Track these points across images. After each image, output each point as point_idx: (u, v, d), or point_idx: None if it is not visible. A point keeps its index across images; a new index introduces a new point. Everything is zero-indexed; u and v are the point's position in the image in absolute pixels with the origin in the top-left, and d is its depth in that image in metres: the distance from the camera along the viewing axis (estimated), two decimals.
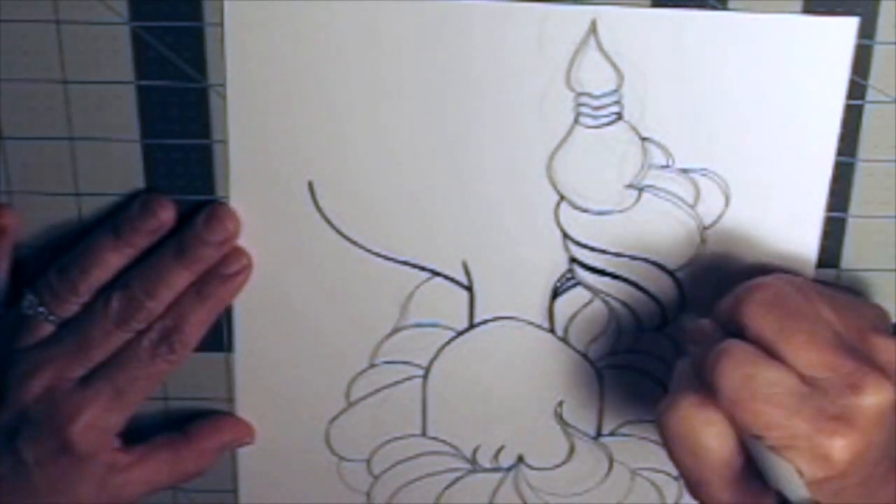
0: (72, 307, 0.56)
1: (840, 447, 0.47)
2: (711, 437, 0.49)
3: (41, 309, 0.56)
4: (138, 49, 0.54)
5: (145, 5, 0.53)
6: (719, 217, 0.56)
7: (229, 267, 0.57)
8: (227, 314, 0.59)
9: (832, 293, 0.52)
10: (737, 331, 0.50)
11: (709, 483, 0.50)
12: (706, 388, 0.49)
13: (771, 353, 0.48)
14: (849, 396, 0.47)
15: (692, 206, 0.56)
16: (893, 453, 0.49)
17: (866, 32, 0.53)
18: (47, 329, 0.56)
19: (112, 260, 0.56)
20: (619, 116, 0.54)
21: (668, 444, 0.50)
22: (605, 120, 0.54)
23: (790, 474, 0.47)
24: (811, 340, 0.48)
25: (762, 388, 0.47)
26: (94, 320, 0.56)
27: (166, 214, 0.56)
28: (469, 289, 0.58)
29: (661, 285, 0.58)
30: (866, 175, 0.55)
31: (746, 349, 0.48)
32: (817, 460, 0.47)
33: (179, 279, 0.56)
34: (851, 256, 0.57)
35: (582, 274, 0.58)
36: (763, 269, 0.55)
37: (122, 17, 0.53)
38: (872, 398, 0.47)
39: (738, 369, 0.48)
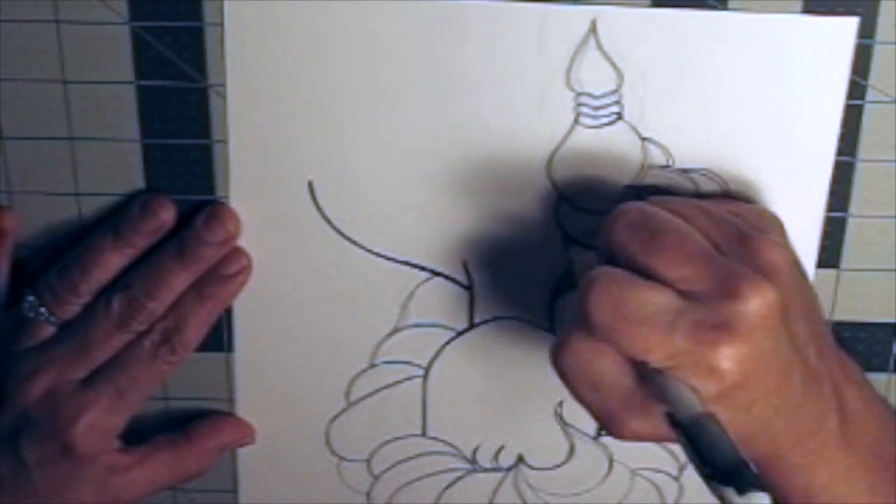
0: (72, 308, 0.56)
1: (725, 356, 0.45)
2: (605, 366, 0.47)
3: (42, 310, 0.56)
4: (138, 49, 0.54)
5: (145, 5, 0.53)
6: None
7: (229, 268, 0.57)
8: (227, 314, 0.59)
9: (707, 206, 0.50)
10: (613, 259, 0.48)
11: (616, 414, 0.48)
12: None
13: (644, 274, 0.47)
14: (727, 304, 0.45)
15: None
16: (795, 357, 0.47)
17: (866, 32, 0.53)
18: (48, 330, 0.56)
19: (112, 260, 0.56)
20: (619, 116, 0.54)
21: (568, 383, 0.48)
22: (605, 120, 0.54)
23: (682, 392, 0.45)
24: (681, 254, 0.47)
25: (633, 311, 0.46)
26: (94, 321, 0.56)
27: (166, 214, 0.56)
28: (469, 289, 0.58)
29: None
30: (866, 175, 0.55)
31: (614, 274, 0.47)
32: (705, 374, 0.45)
33: (180, 280, 0.56)
34: (851, 256, 0.57)
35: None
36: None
37: (122, 17, 0.53)
38: (752, 301, 0.45)
39: (607, 295, 0.46)
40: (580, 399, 0.49)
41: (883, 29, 0.53)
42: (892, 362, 0.59)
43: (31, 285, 0.57)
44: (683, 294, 0.46)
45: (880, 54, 0.53)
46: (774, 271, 0.47)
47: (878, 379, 0.59)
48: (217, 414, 0.61)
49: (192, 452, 0.60)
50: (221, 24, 0.53)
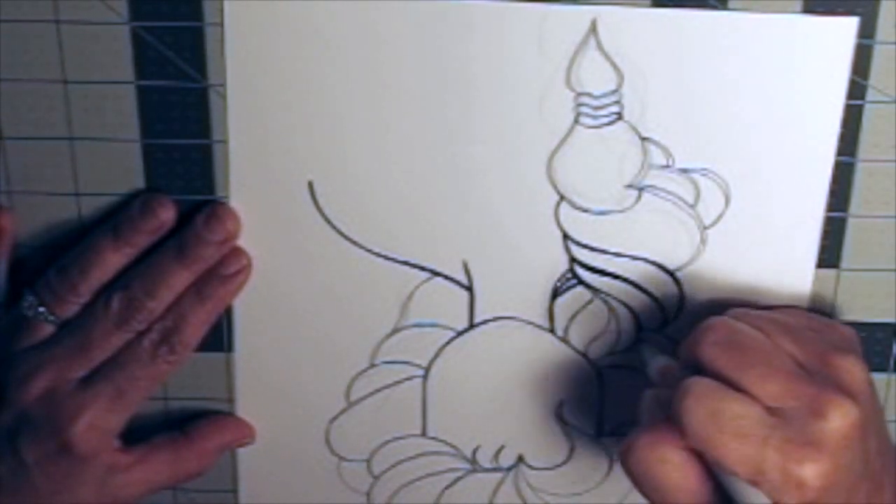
0: (72, 307, 0.56)
1: (812, 473, 0.47)
2: (670, 472, 0.49)
3: (41, 309, 0.56)
4: (138, 49, 0.54)
5: (145, 5, 0.53)
6: (719, 217, 0.56)
7: (229, 267, 0.57)
8: (227, 314, 0.59)
9: (788, 321, 0.53)
10: (700, 371, 0.50)
11: None
12: (670, 426, 0.49)
13: (734, 388, 0.49)
14: (814, 422, 0.48)
15: (692, 206, 0.56)
16: (865, 471, 0.50)
17: (866, 32, 0.53)
18: (47, 329, 0.56)
19: (112, 260, 0.56)
20: (620, 116, 0.54)
21: (634, 482, 0.50)
22: (605, 120, 0.54)
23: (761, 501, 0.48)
24: (769, 372, 0.49)
25: (729, 421, 0.48)
26: (94, 321, 0.56)
27: (166, 214, 0.56)
28: (469, 289, 0.58)
29: (661, 285, 0.58)
30: (866, 175, 0.55)
31: (710, 384, 0.49)
32: (791, 488, 0.47)
33: (179, 279, 0.56)
34: (851, 256, 0.57)
35: (582, 274, 0.58)
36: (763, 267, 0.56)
37: (122, 17, 0.53)
38: (837, 421, 0.48)
39: (704, 405, 0.48)
40: (645, 496, 0.51)
41: (883, 29, 0.53)
42: (892, 362, 0.59)
43: (31, 285, 0.57)
44: (770, 411, 0.48)
45: (880, 54, 0.53)
46: (856, 391, 0.49)
47: (878, 379, 0.59)
48: (217, 414, 0.61)
49: (191, 452, 0.60)
50: (221, 24, 0.53)
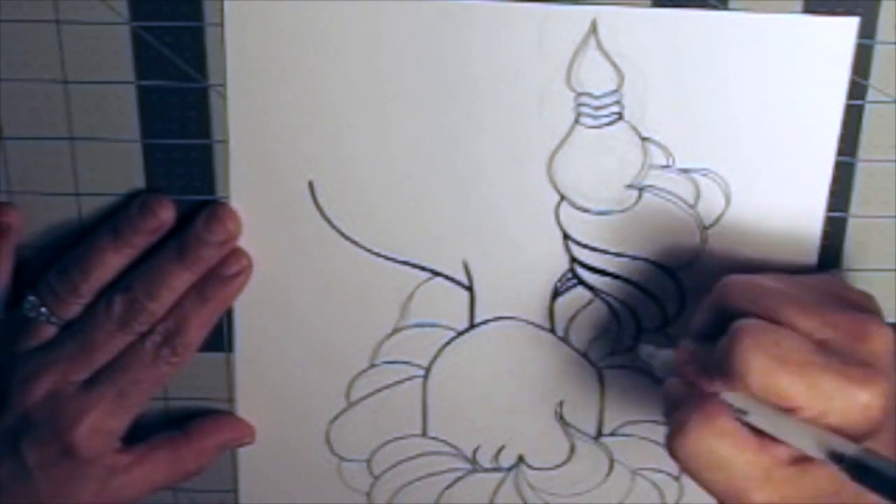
0: (73, 308, 0.56)
1: (874, 393, 0.47)
2: (729, 446, 0.48)
3: (43, 310, 0.56)
4: (138, 49, 0.54)
5: (145, 5, 0.53)
6: (719, 217, 0.56)
7: (229, 268, 0.57)
8: (228, 314, 0.59)
9: (802, 277, 0.53)
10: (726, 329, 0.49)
11: (742, 489, 0.49)
12: (715, 400, 0.48)
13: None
14: (861, 346, 0.48)
15: (692, 206, 0.56)
16: None
17: (866, 32, 0.53)
18: (49, 331, 0.56)
19: (113, 260, 0.56)
20: (620, 116, 0.54)
21: (690, 468, 0.49)
22: (605, 120, 0.54)
23: (834, 437, 0.47)
24: (805, 307, 0.49)
25: (788, 355, 0.47)
26: (96, 323, 0.56)
27: (166, 214, 0.56)
28: (469, 289, 0.58)
29: (661, 285, 0.58)
30: (866, 175, 0.55)
31: (760, 324, 0.48)
32: (857, 413, 0.47)
33: (180, 280, 0.56)
34: (851, 256, 0.57)
35: (582, 274, 0.58)
36: (763, 267, 0.55)
37: (122, 17, 0.53)
38: (881, 342, 0.48)
39: (761, 344, 0.47)
40: (704, 481, 0.49)
41: (883, 29, 0.53)
42: None
43: (32, 286, 0.57)
44: (818, 342, 0.48)
45: (880, 54, 0.53)
46: (881, 314, 0.51)
47: None
48: (217, 413, 0.61)
49: (190, 451, 0.60)
50: (221, 25, 0.53)
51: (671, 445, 0.49)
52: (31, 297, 0.56)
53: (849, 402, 0.47)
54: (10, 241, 0.57)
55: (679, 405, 0.50)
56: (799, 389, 0.47)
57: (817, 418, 0.47)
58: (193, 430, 0.60)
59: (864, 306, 0.51)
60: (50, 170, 0.56)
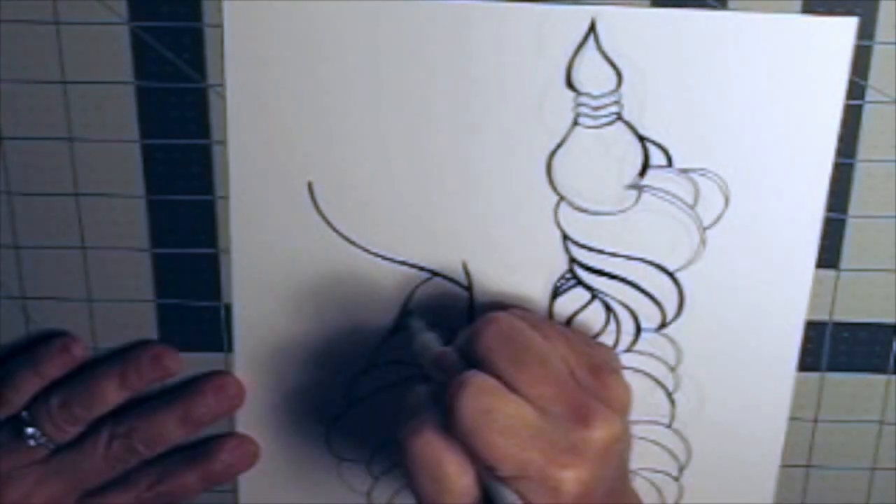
0: (69, 435, 0.58)
1: (570, 479, 0.47)
2: (453, 464, 0.49)
3: (42, 439, 0.58)
4: (138, 49, 0.54)
5: (145, 5, 0.53)
6: (719, 217, 0.56)
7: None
8: (227, 314, 0.59)
9: (566, 330, 0.54)
10: (476, 363, 0.50)
11: None
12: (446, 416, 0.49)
13: (507, 385, 0.49)
14: (579, 430, 0.48)
15: (692, 207, 0.56)
16: (621, 486, 0.51)
17: (866, 32, 0.53)
18: (42, 452, 0.59)
19: (115, 398, 0.58)
20: (619, 116, 0.54)
21: (410, 468, 0.50)
22: (604, 120, 0.54)
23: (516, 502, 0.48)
24: (544, 374, 0.49)
25: (499, 420, 0.48)
26: (94, 456, 0.59)
27: (174, 366, 0.58)
28: (468, 289, 0.58)
29: (661, 285, 0.58)
30: (866, 175, 0.55)
31: (485, 381, 0.49)
32: (548, 492, 0.48)
33: (179, 435, 0.59)
34: (851, 256, 0.57)
35: (582, 274, 0.58)
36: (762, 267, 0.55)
37: (122, 17, 0.53)
38: (601, 431, 0.48)
39: (476, 401, 0.48)
40: (415, 486, 0.50)
41: (882, 29, 0.53)
42: (892, 362, 0.59)
43: (28, 408, 0.58)
44: (541, 412, 0.49)
45: (880, 54, 0.53)
46: (619, 408, 0.50)
47: (878, 379, 0.59)
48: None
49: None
50: (221, 25, 0.53)
51: (403, 442, 0.50)
52: (31, 430, 0.58)
53: (543, 479, 0.48)
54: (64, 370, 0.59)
55: (420, 409, 0.50)
56: (499, 454, 0.48)
57: (512, 483, 0.48)
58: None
59: (606, 366, 0.52)
60: (50, 170, 0.56)
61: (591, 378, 0.51)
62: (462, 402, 0.48)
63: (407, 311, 0.58)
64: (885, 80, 0.53)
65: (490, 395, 0.48)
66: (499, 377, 0.49)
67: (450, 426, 0.48)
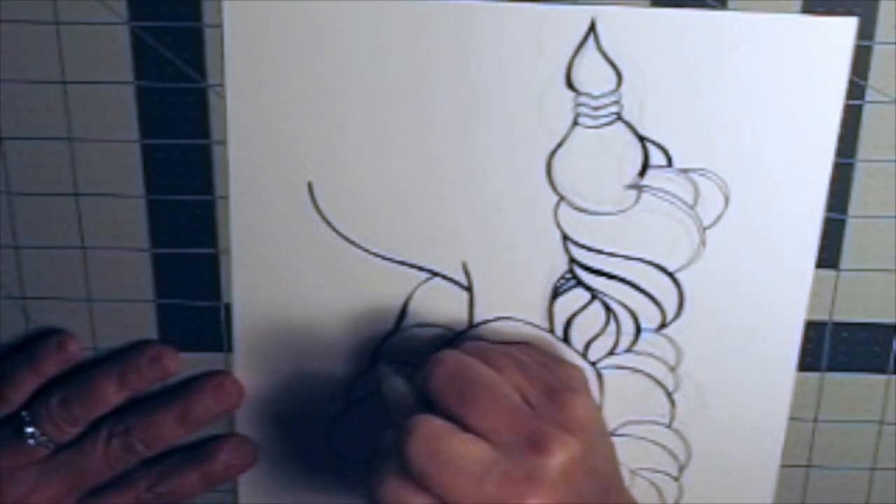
0: (70, 435, 0.59)
1: None
2: None
3: (43, 439, 0.58)
4: (138, 49, 0.54)
5: (145, 5, 0.53)
6: (719, 217, 0.56)
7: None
8: (227, 313, 0.59)
9: (521, 355, 0.54)
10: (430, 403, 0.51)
11: None
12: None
13: (459, 423, 0.49)
14: (535, 457, 0.48)
15: (692, 207, 0.56)
16: (602, 500, 0.50)
17: (866, 33, 0.53)
18: (42, 451, 0.59)
19: (114, 399, 0.58)
20: (619, 117, 0.54)
21: None
22: (604, 120, 0.54)
23: None
24: (493, 407, 0.49)
25: (449, 461, 0.48)
26: (94, 455, 0.59)
27: (173, 366, 0.59)
28: (469, 289, 0.58)
29: (661, 286, 0.58)
30: (866, 175, 0.55)
31: (432, 424, 0.49)
32: None
33: (177, 435, 0.59)
34: (851, 256, 0.57)
35: (582, 274, 0.58)
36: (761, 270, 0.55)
37: (122, 17, 0.53)
38: (557, 457, 0.48)
39: (425, 446, 0.49)
40: None
41: (882, 29, 0.53)
42: (892, 362, 0.59)
43: (28, 408, 0.58)
44: (495, 445, 0.49)
45: (880, 54, 0.53)
46: (579, 426, 0.50)
47: (878, 379, 0.59)
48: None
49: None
50: (221, 25, 0.53)
51: (372, 491, 0.50)
52: (30, 429, 0.58)
53: None
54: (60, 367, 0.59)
55: (386, 454, 0.51)
56: (454, 496, 0.48)
57: None
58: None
59: (564, 386, 0.52)
60: (50, 170, 0.56)
61: (548, 402, 0.51)
62: (411, 447, 0.49)
63: (376, 357, 0.59)
64: (885, 80, 0.53)
65: (438, 437, 0.49)
66: (451, 416, 0.50)
67: (405, 471, 0.49)
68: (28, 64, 0.54)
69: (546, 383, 0.52)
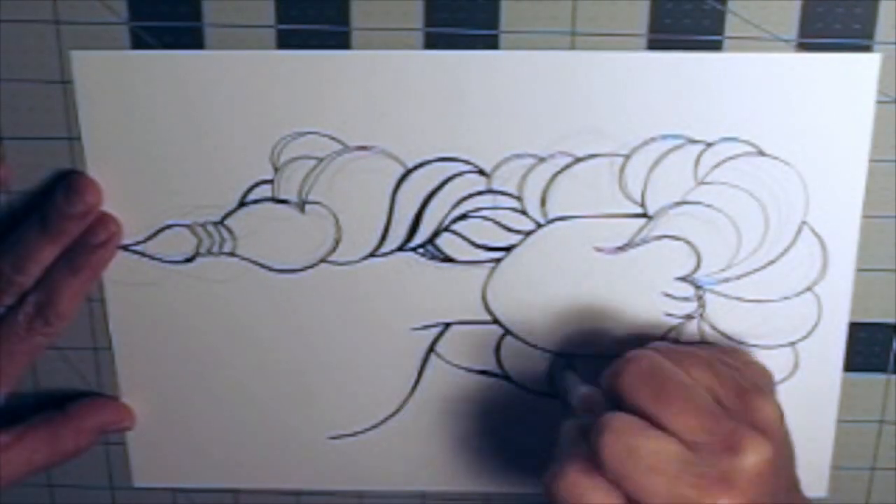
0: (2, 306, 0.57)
1: None
2: (598, 500, 0.49)
3: None
4: (137, 49, 0.54)
5: (145, 5, 0.53)
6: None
7: (97, 236, 0.57)
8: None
9: (710, 357, 0.53)
10: (620, 402, 0.50)
11: None
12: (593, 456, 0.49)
13: (652, 422, 0.49)
14: (728, 458, 0.48)
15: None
16: (786, 501, 0.51)
17: (866, 33, 0.53)
18: None
19: (45, 251, 0.56)
20: None
21: None
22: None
23: None
24: (687, 407, 0.49)
25: (644, 458, 0.48)
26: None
27: (93, 197, 0.56)
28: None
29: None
30: (867, 175, 0.55)
31: (628, 421, 0.49)
32: None
33: (46, 253, 0.56)
34: None
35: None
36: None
37: (122, 17, 0.53)
38: (751, 457, 0.48)
39: (621, 441, 0.49)
40: None
41: (883, 29, 0.53)
42: (892, 362, 0.59)
43: None
44: (688, 444, 0.49)
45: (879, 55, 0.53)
46: (769, 427, 0.50)
47: (878, 379, 0.59)
48: (97, 395, 0.61)
49: (69, 430, 0.59)
50: (222, 25, 0.53)
51: (548, 484, 0.50)
52: None
53: None
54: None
55: (567, 449, 0.51)
56: (648, 492, 0.48)
57: None
58: (73, 411, 0.60)
59: (753, 387, 0.52)
60: (50, 170, 0.56)
61: (739, 402, 0.51)
62: (606, 444, 0.49)
63: (565, 367, 0.59)
64: (885, 79, 0.53)
65: (633, 433, 0.49)
66: (643, 415, 0.49)
67: (598, 467, 0.49)
68: (28, 63, 0.54)
69: (736, 384, 0.51)
